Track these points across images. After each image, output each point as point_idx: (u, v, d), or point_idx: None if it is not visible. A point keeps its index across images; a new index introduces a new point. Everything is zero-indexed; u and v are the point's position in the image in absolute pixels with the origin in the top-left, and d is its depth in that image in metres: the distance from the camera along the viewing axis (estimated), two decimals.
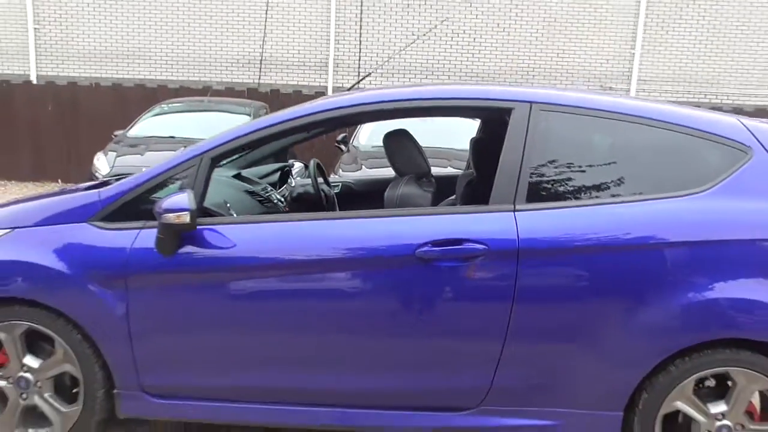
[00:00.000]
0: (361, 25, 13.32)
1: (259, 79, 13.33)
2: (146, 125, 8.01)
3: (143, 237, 2.60)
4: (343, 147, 7.20)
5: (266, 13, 13.10)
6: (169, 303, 2.60)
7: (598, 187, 2.60)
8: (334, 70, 13.41)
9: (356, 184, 4.20)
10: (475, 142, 3.51)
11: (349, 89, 3.40)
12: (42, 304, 2.64)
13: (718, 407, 2.53)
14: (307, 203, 3.57)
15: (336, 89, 13.12)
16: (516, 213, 2.52)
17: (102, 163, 6.94)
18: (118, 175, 6.55)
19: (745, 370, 2.49)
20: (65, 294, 2.62)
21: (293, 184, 3.77)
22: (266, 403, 2.65)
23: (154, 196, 2.68)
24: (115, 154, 7.09)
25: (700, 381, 2.55)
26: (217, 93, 11.09)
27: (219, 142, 2.71)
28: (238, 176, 3.53)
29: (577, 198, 2.58)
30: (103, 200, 2.70)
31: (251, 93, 11.79)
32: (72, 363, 2.67)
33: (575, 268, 2.49)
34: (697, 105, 12.44)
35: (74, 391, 2.72)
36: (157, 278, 2.59)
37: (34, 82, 12.66)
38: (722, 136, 2.62)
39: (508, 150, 2.59)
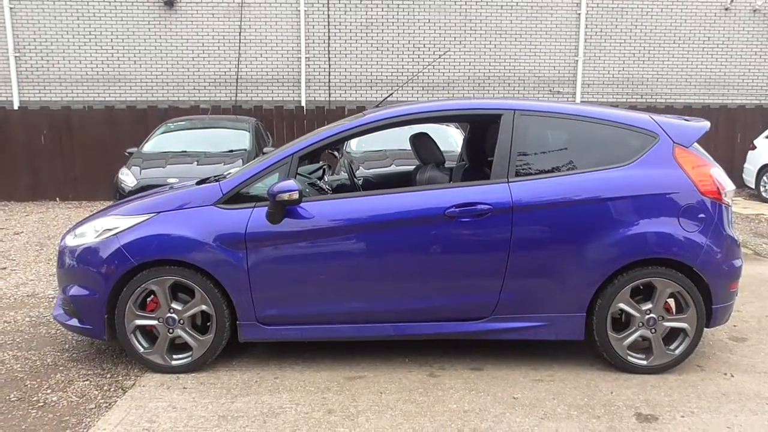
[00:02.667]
0: (329, 43, 14.49)
1: (236, 96, 14.40)
2: (158, 142, 8.96)
3: (255, 213, 3.75)
4: (336, 153, 8.37)
5: (240, 35, 14.16)
6: (276, 257, 3.73)
7: (558, 165, 3.87)
8: (306, 86, 14.52)
9: (373, 177, 5.45)
10: (467, 141, 4.79)
11: (377, 106, 4.62)
12: (186, 263, 3.75)
13: (646, 306, 3.81)
14: (345, 189, 4.79)
15: (309, 103, 14.27)
16: (509, 184, 3.77)
17: (128, 177, 7.90)
18: (145, 186, 7.60)
19: (662, 279, 3.78)
20: (204, 255, 3.72)
21: (332, 178, 4.95)
22: (345, 323, 3.83)
23: (257, 185, 3.84)
24: (138, 168, 8.08)
25: (634, 289, 3.83)
26: (215, 111, 12.11)
27: (303, 145, 3.89)
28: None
29: (546, 172, 3.83)
30: (223, 190, 3.84)
31: (237, 110, 12.86)
32: (207, 304, 3.78)
33: (548, 218, 3.71)
34: (634, 105, 14.09)
35: (207, 324, 3.85)
36: (267, 241, 3.73)
37: (16, 107, 13.40)
38: (638, 127, 3.92)
39: (501, 143, 3.84)
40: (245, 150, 8.79)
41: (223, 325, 3.79)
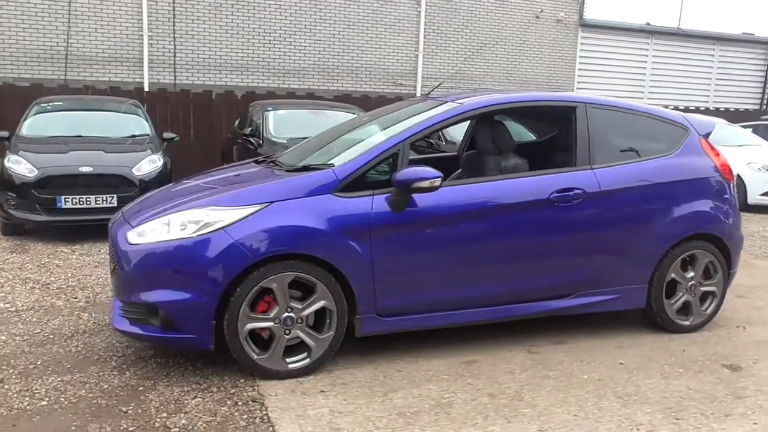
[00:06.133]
0: (174, 23, 13.48)
1: (65, 75, 12.73)
2: (34, 125, 7.63)
3: (377, 201, 3.58)
4: None
5: (69, 5, 12.54)
6: (399, 245, 3.59)
7: (623, 153, 4.31)
8: (149, 67, 13.35)
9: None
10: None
11: (426, 95, 4.62)
12: (305, 256, 3.43)
13: (690, 274, 4.45)
14: None
15: (152, 85, 13.13)
16: (594, 170, 4.11)
17: (21, 166, 6.65)
18: (50, 176, 6.56)
19: (702, 251, 4.44)
20: (328, 247, 3.45)
21: None
22: (462, 309, 3.85)
23: (371, 172, 3.66)
24: (33, 155, 6.85)
25: (682, 260, 4.43)
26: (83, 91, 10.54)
27: (413, 132, 3.79)
28: None
29: (617, 159, 4.23)
30: (339, 178, 3.58)
31: (64, 89, 11.32)
32: (328, 299, 3.50)
33: (624, 201, 4.12)
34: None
35: (327, 321, 3.57)
36: (391, 229, 3.58)
37: None
38: (674, 121, 4.53)
39: (580, 132, 4.14)
40: (148, 135, 7.96)
41: (343, 321, 3.57)
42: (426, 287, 3.72)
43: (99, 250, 6.45)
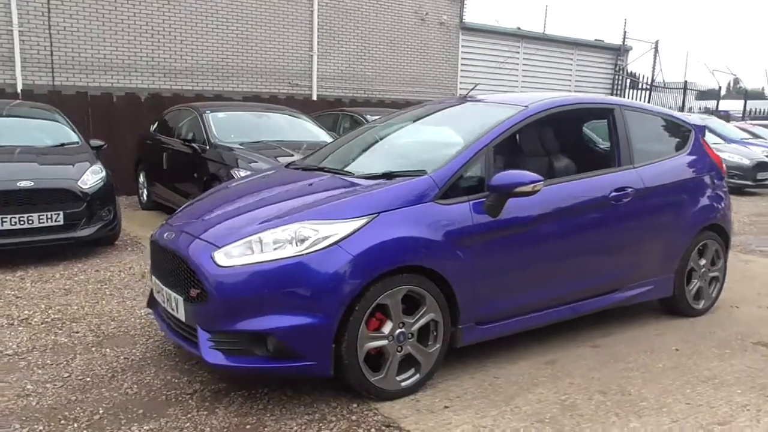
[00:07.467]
0: (49, 17, 12.17)
1: None
2: None
3: (474, 206, 3.51)
4: None
5: None
6: (496, 250, 3.54)
7: (652, 152, 4.59)
8: (22, 66, 11.93)
9: None
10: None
11: (464, 96, 4.58)
12: (415, 268, 3.27)
13: (702, 261, 4.85)
14: None
15: (27, 86, 11.77)
16: (636, 169, 4.34)
17: None
18: None
19: (712, 240, 4.86)
20: (438, 258, 3.31)
21: None
22: (542, 310, 3.88)
23: (466, 176, 3.58)
24: None
25: (698, 249, 4.82)
26: None
27: (493, 136, 3.73)
28: None
29: (650, 158, 4.49)
30: (439, 185, 3.44)
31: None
32: (435, 311, 3.37)
33: (660, 197, 4.42)
34: (354, 98, 15.47)
35: (432, 334, 3.43)
36: (487, 235, 3.51)
37: None
38: (683, 121, 4.94)
39: (620, 133, 4.36)
40: (78, 143, 7.14)
41: (448, 332, 3.47)
42: (515, 291, 3.72)
43: (53, 275, 5.67)
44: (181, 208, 4.18)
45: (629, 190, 4.20)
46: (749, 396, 3.48)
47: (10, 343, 4.08)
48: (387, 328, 3.25)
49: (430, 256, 3.32)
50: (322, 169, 4.12)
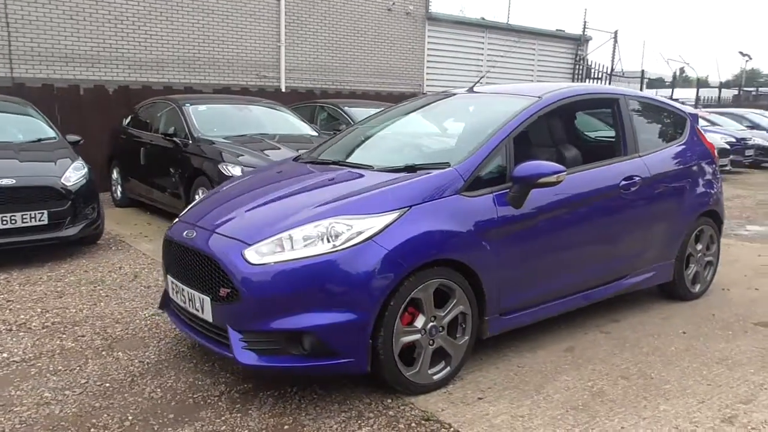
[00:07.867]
0: (6, 5, 11.68)
1: None
2: None
3: (497, 198, 3.52)
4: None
5: None
6: (520, 241, 3.55)
7: (654, 141, 4.69)
8: None
9: None
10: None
11: (470, 89, 4.59)
12: (446, 261, 3.26)
13: (699, 246, 5.00)
14: None
15: None
16: (641, 158, 4.43)
17: None
18: None
19: (708, 225, 5.01)
20: (468, 250, 3.31)
21: None
22: (560, 299, 3.93)
23: (489, 168, 3.58)
24: None
25: (695, 235, 4.95)
26: None
27: (513, 126, 3.74)
28: None
29: (652, 147, 4.59)
30: (463, 177, 3.44)
31: None
32: (464, 304, 3.38)
33: (663, 184, 4.52)
34: (325, 89, 15.36)
35: (461, 326, 3.44)
36: (511, 225, 3.53)
37: None
38: (679, 110, 5.06)
39: (626, 122, 4.44)
40: (55, 138, 6.91)
41: (476, 324, 3.48)
42: (536, 281, 3.76)
43: (40, 277, 5.48)
44: (193, 204, 4.08)
45: (636, 178, 4.29)
46: (763, 375, 3.61)
47: (15, 350, 3.93)
48: (419, 322, 3.24)
49: (461, 249, 3.33)
50: (336, 163, 4.07)
